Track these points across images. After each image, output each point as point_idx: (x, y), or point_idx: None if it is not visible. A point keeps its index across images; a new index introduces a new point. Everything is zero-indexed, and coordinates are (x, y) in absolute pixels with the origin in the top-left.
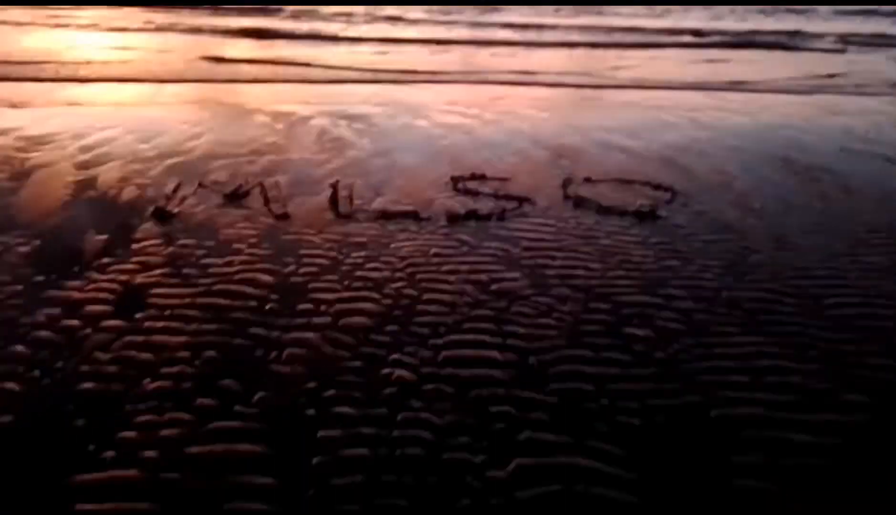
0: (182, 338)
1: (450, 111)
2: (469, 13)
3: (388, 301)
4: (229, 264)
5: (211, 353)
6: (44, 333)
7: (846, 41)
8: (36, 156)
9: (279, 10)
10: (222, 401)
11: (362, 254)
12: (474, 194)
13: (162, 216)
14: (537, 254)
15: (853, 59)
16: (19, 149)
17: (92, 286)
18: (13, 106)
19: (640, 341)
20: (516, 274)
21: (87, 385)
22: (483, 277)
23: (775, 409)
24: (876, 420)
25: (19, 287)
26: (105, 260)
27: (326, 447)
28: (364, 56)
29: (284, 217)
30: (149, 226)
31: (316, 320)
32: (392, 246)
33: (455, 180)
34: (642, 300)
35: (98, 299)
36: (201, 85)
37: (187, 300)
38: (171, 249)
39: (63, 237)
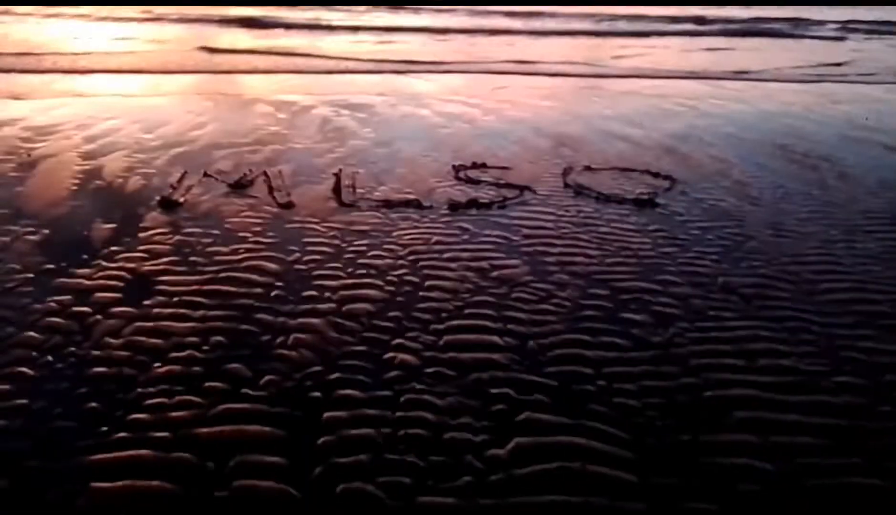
0: (190, 324)
1: (451, 100)
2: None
3: (391, 287)
4: (235, 252)
5: (219, 338)
6: (56, 319)
7: (847, 28)
8: (42, 147)
9: None
10: (231, 385)
11: (365, 241)
12: (475, 183)
13: (168, 205)
14: (537, 242)
15: (855, 47)
16: (25, 140)
17: (101, 274)
18: (15, 97)
19: (637, 325)
20: (516, 261)
21: (99, 369)
22: (484, 264)
23: (768, 391)
24: (866, 401)
25: (30, 275)
26: (113, 248)
27: (332, 427)
28: (365, 45)
29: (289, 206)
30: (155, 215)
31: (321, 306)
32: (395, 233)
33: (456, 169)
34: (640, 286)
35: (107, 286)
36: (203, 75)
37: (194, 287)
38: (177, 237)
39: (71, 226)
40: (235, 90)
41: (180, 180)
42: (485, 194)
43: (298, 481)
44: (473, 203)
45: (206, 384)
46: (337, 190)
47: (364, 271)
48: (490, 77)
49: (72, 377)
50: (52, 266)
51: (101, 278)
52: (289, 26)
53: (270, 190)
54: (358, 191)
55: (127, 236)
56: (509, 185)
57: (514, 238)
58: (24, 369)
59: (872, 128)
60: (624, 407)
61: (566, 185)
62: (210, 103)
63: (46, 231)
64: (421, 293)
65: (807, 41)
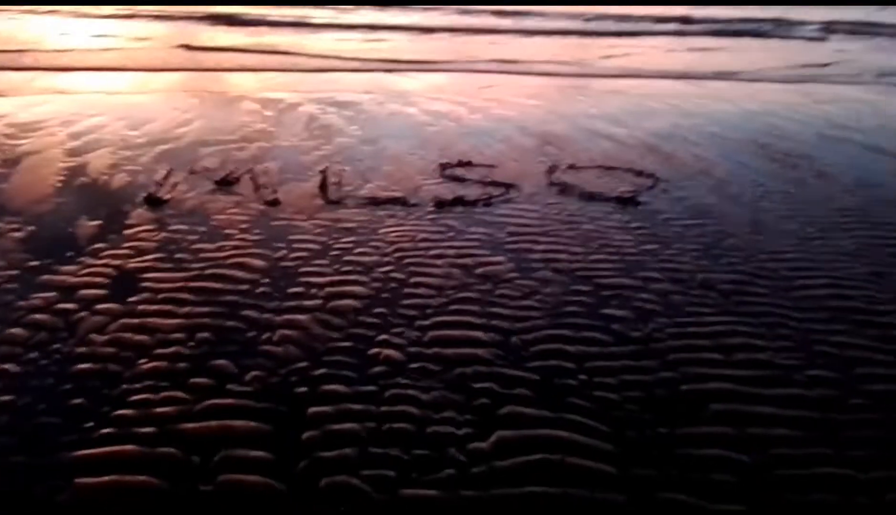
0: (176, 321)
1: (438, 98)
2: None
3: (377, 284)
4: (221, 249)
5: (204, 335)
6: (41, 316)
7: (830, 29)
8: (26, 143)
9: None
10: (216, 380)
11: (351, 238)
12: (461, 180)
13: (154, 202)
14: (522, 239)
15: (837, 48)
16: (8, 136)
17: (86, 271)
18: None
19: (618, 321)
20: (501, 258)
21: (85, 365)
22: (469, 261)
23: (744, 384)
24: (838, 394)
25: (15, 272)
26: (98, 245)
27: (317, 422)
28: (352, 43)
29: (275, 203)
30: (141, 212)
31: (306, 302)
32: (380, 231)
33: (443, 167)
34: (622, 282)
35: (93, 283)
36: (188, 73)
37: (180, 284)
38: (163, 234)
39: (56, 223)
40: (221, 87)
41: (166, 177)
42: (470, 192)
43: (283, 475)
44: (459, 200)
45: (192, 380)
46: (323, 187)
47: (350, 268)
48: (477, 76)
49: (57, 373)
50: (36, 263)
51: (86, 275)
52: (274, 24)
53: (256, 187)
54: (344, 188)
55: (112, 233)
56: (495, 183)
57: (499, 235)
58: (8, 366)
59: (852, 128)
60: (604, 401)
61: (551, 183)
62: (196, 100)
63: (31, 228)
64: (406, 289)
65: (790, 41)
